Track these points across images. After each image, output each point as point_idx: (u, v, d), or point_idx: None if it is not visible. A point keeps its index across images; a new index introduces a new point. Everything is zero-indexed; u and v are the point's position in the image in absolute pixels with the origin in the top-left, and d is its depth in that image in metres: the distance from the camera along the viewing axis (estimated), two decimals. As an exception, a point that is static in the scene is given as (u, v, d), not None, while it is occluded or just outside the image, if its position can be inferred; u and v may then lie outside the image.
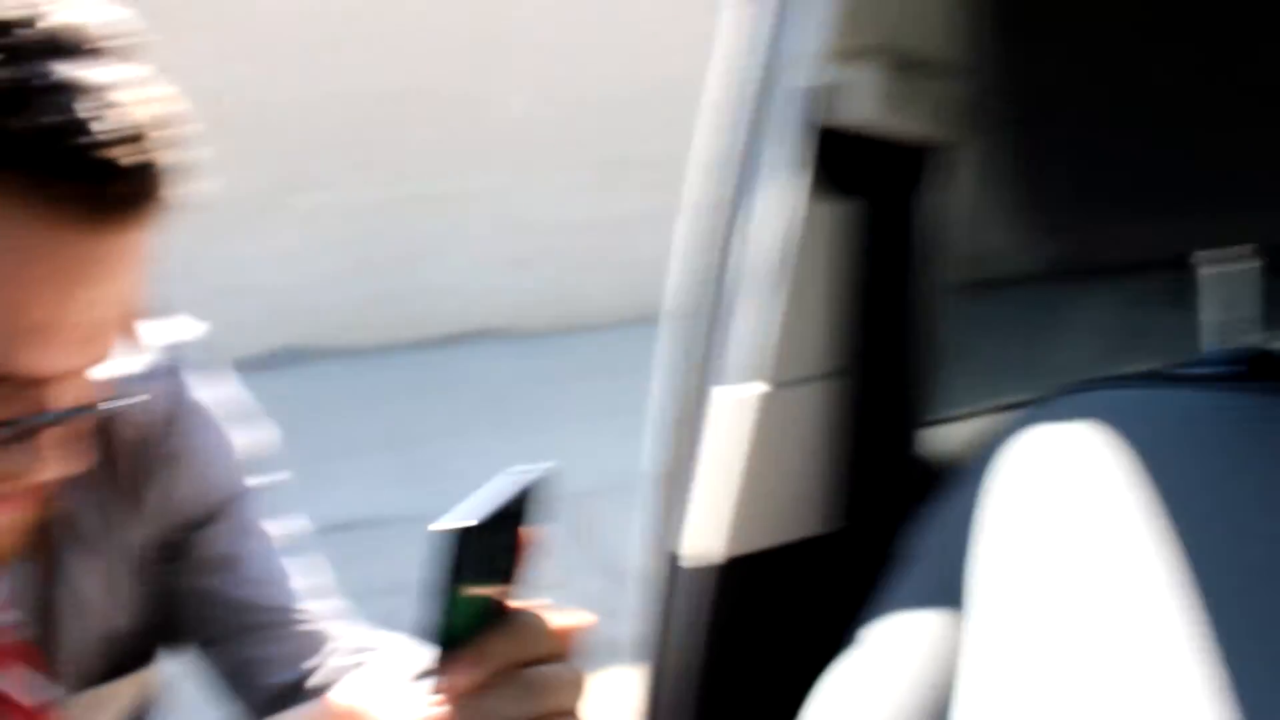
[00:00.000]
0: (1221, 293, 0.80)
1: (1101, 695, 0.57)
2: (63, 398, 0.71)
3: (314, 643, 1.00)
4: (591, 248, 5.78)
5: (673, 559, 0.90)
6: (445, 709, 0.56)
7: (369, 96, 5.40)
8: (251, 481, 1.04)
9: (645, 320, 6.41)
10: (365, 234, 5.51)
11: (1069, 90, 0.85)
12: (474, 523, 0.54)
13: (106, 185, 0.65)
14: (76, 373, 0.71)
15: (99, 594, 0.95)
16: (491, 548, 0.57)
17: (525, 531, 0.60)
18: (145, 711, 1.27)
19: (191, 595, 1.00)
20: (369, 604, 2.20)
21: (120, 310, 0.72)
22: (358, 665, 0.98)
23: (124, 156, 0.66)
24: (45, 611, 0.92)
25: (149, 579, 1.00)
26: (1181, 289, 0.83)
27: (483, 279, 5.67)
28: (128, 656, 1.00)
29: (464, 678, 0.57)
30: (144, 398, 0.92)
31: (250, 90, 5.25)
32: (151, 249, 0.72)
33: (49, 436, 0.71)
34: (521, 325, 5.73)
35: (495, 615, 0.60)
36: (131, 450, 0.94)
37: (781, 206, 0.85)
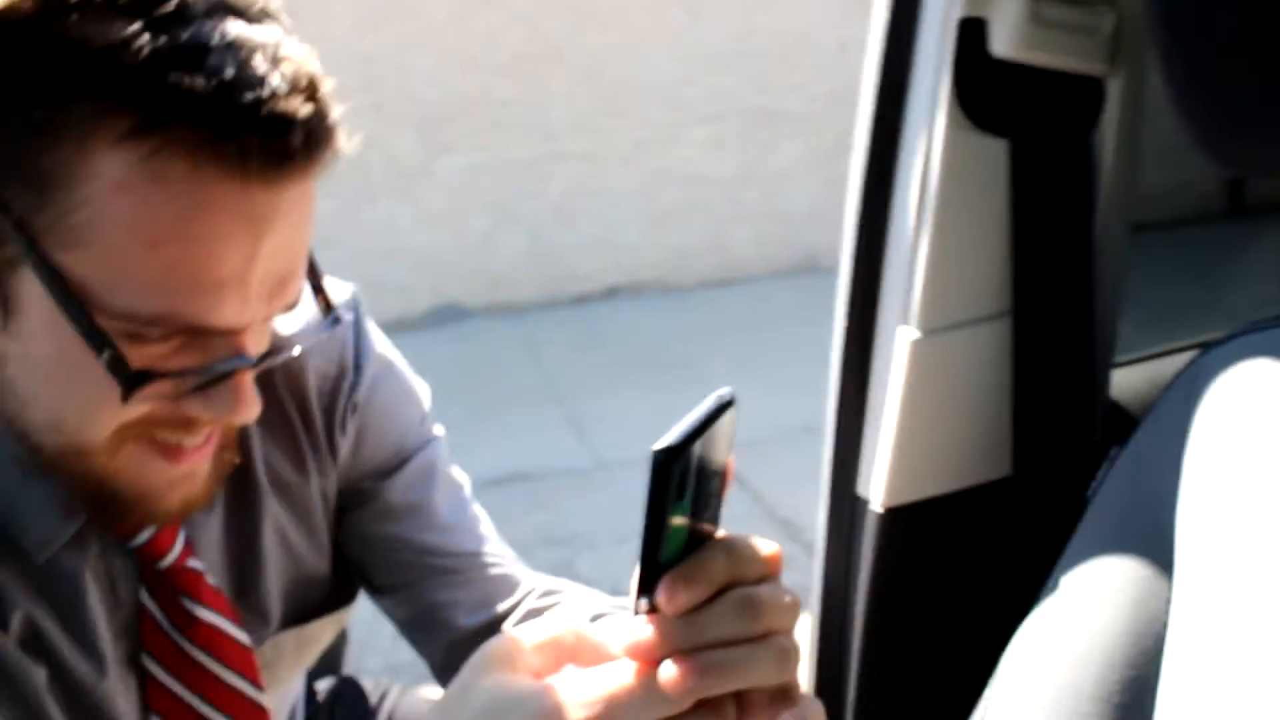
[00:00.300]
0: None
1: None
2: (252, 346, 0.74)
3: (505, 586, 1.02)
4: (741, 200, 5.75)
5: (851, 505, 0.90)
6: (661, 627, 0.56)
7: (513, 56, 5.44)
8: (435, 430, 1.06)
9: (796, 272, 6.39)
10: (515, 193, 5.57)
11: (1242, 11, 0.81)
12: (681, 443, 0.54)
13: (285, 137, 0.67)
14: (264, 322, 0.74)
15: (296, 539, 0.99)
16: (698, 473, 0.57)
17: (720, 457, 0.60)
18: (332, 658, 1.32)
19: (381, 541, 1.02)
20: (534, 556, 2.25)
21: (301, 261, 0.74)
22: (552, 606, 1.00)
23: (299, 109, 0.68)
24: (247, 555, 0.96)
25: (340, 524, 1.03)
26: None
27: (633, 234, 5.69)
28: (323, 599, 1.03)
29: (682, 595, 0.56)
30: (327, 346, 0.96)
31: (396, 54, 5.33)
32: (311, 206, 0.75)
33: (239, 384, 0.74)
34: (673, 279, 5.74)
35: (698, 542, 0.59)
36: (322, 401, 0.98)
37: (942, 146, 0.83)
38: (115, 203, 0.65)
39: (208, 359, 0.72)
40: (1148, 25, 0.67)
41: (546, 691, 0.57)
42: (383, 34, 5.32)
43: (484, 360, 4.98)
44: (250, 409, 0.74)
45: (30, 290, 0.70)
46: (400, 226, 5.53)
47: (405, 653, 1.02)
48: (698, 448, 0.56)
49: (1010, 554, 0.87)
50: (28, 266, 0.69)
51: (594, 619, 0.97)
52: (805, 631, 0.95)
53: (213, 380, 0.73)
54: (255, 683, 0.93)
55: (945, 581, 0.90)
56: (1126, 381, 0.95)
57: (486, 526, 1.05)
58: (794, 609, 0.60)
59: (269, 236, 0.69)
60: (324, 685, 1.28)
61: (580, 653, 0.60)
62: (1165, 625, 0.65)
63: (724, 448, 0.60)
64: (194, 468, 0.79)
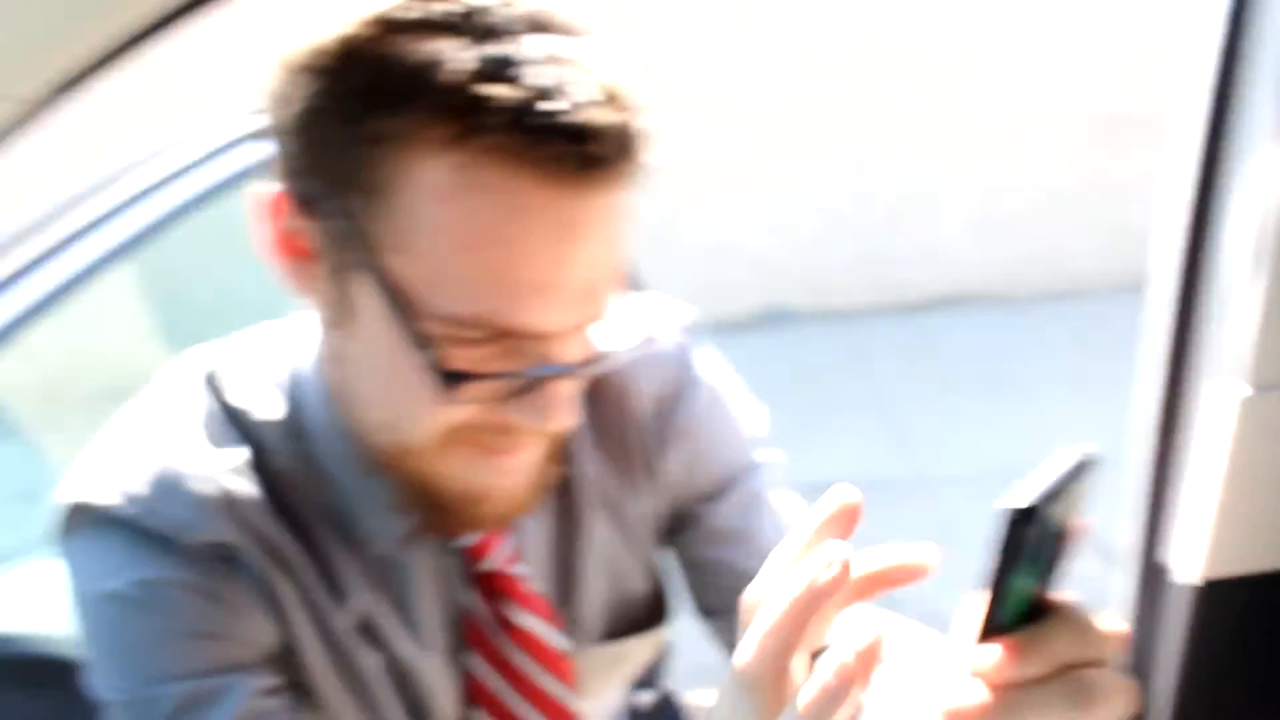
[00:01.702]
0: None
1: None
2: (565, 354, 0.76)
3: None
4: (1081, 210, 5.52)
5: (1158, 575, 0.82)
6: (985, 695, 0.53)
7: (853, 58, 5.40)
8: (760, 456, 1.06)
9: (1139, 288, 6.08)
10: (848, 196, 5.53)
11: None
12: (1032, 503, 0.51)
13: (588, 144, 0.69)
14: (575, 330, 0.76)
15: (617, 555, 1.01)
16: (1043, 533, 0.52)
17: (1074, 520, 0.56)
18: (654, 672, 1.35)
19: (704, 565, 1.03)
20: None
21: (611, 270, 0.77)
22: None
23: (608, 118, 0.70)
24: (566, 567, 0.99)
25: (661, 546, 1.05)
26: None
27: (967, 242, 5.56)
28: (638, 618, 1.05)
29: (1013, 667, 0.53)
30: (659, 369, 0.98)
31: (736, 56, 5.39)
32: (630, 213, 0.77)
33: (553, 392, 0.76)
34: (1007, 290, 5.57)
35: (1038, 608, 0.56)
36: (647, 422, 1.00)
37: (1275, 178, 0.74)
38: (437, 208, 0.70)
39: (522, 364, 0.75)
40: None
41: None
42: (723, 35, 5.39)
43: (810, 365, 4.98)
44: (563, 418, 0.77)
45: (365, 293, 0.75)
46: (732, 227, 5.59)
47: (711, 654, 1.03)
48: (1053, 509, 0.52)
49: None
50: (364, 270, 0.74)
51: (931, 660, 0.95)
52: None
53: (528, 387, 0.76)
54: (569, 687, 0.95)
55: (1266, 669, 0.82)
56: None
57: None
58: (1128, 699, 0.56)
59: (579, 243, 0.72)
60: (645, 698, 1.30)
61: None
62: None
63: (1079, 508, 0.56)
64: (517, 472, 0.82)
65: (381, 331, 0.75)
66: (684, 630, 1.02)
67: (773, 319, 5.61)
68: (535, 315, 0.73)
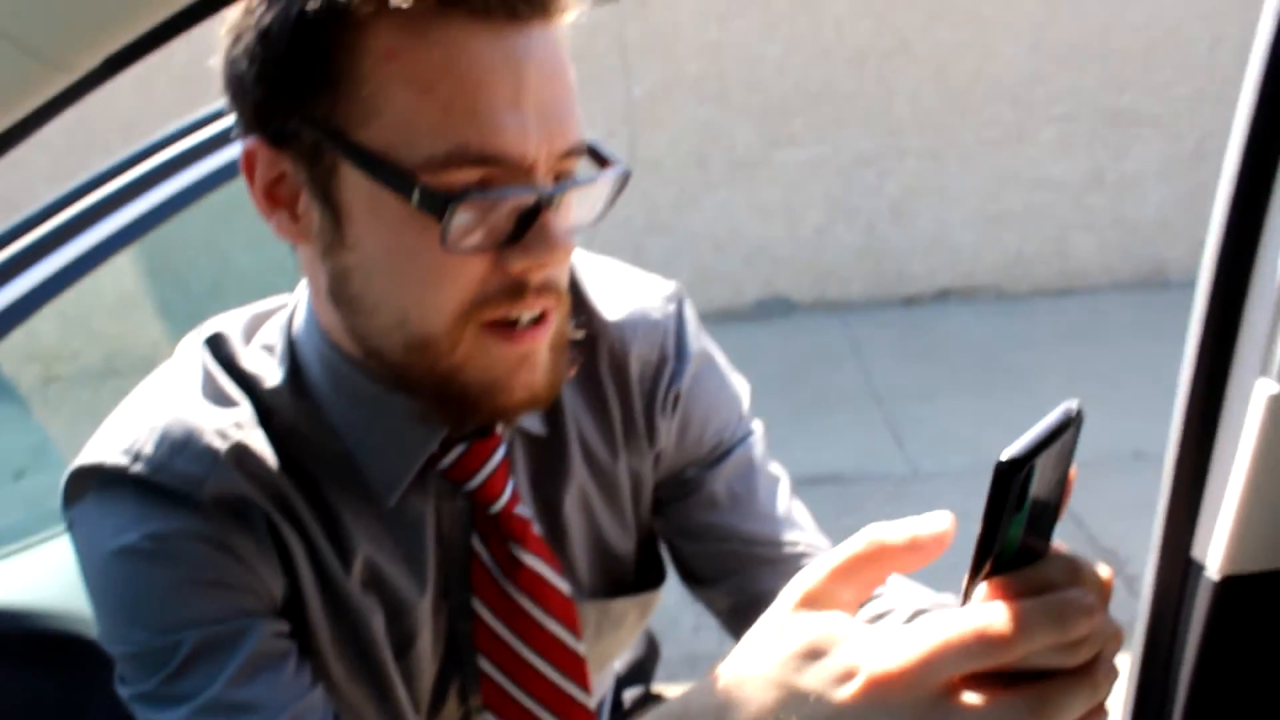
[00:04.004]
0: None
1: None
2: (549, 184, 0.81)
3: None
4: (1086, 206, 5.52)
5: (1184, 568, 0.83)
6: (990, 619, 0.56)
7: (861, 49, 5.40)
8: (755, 424, 1.09)
9: (1141, 285, 6.07)
10: (852, 188, 5.54)
11: None
12: (1020, 454, 0.54)
13: None
14: (551, 156, 0.81)
15: (600, 510, 1.03)
16: (1038, 486, 0.56)
17: (1065, 475, 0.59)
18: (642, 669, 1.36)
19: (705, 530, 1.05)
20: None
21: (567, 94, 0.82)
22: (873, 599, 1.00)
23: None
24: (552, 512, 1.01)
25: (662, 516, 1.07)
26: None
27: (969, 236, 5.56)
28: (626, 580, 1.07)
29: (1003, 597, 0.57)
30: (651, 333, 1.01)
31: (743, 45, 5.38)
32: (565, 55, 0.83)
33: (546, 223, 0.80)
34: (1008, 285, 5.57)
35: (1030, 558, 0.59)
36: (643, 386, 1.02)
37: None
38: (388, 67, 0.76)
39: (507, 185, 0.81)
40: None
41: (868, 634, 0.59)
42: (730, 24, 5.38)
43: (807, 356, 4.99)
44: (563, 248, 0.81)
45: (350, 187, 0.79)
46: (734, 217, 5.59)
47: (704, 644, 1.03)
48: (1040, 461, 0.55)
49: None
50: (344, 165, 0.78)
51: (914, 615, 0.97)
52: (1120, 698, 0.89)
53: (522, 227, 0.79)
54: (574, 632, 0.97)
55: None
56: None
57: (806, 518, 1.06)
58: (1117, 639, 0.59)
59: (528, 68, 0.78)
60: (631, 694, 1.31)
61: (885, 560, 0.61)
62: None
63: (1065, 464, 0.59)
64: (532, 349, 0.84)
65: (374, 217, 0.79)
66: (674, 621, 1.02)
67: (771, 309, 5.61)
68: (506, 136, 0.77)
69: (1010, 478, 0.54)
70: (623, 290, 1.03)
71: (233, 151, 1.51)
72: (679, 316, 1.04)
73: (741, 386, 1.09)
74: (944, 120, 5.46)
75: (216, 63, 0.81)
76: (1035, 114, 5.45)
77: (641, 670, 1.35)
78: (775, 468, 1.09)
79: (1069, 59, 5.36)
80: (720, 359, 1.08)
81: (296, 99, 0.78)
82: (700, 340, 1.05)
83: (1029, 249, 5.56)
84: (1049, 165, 5.49)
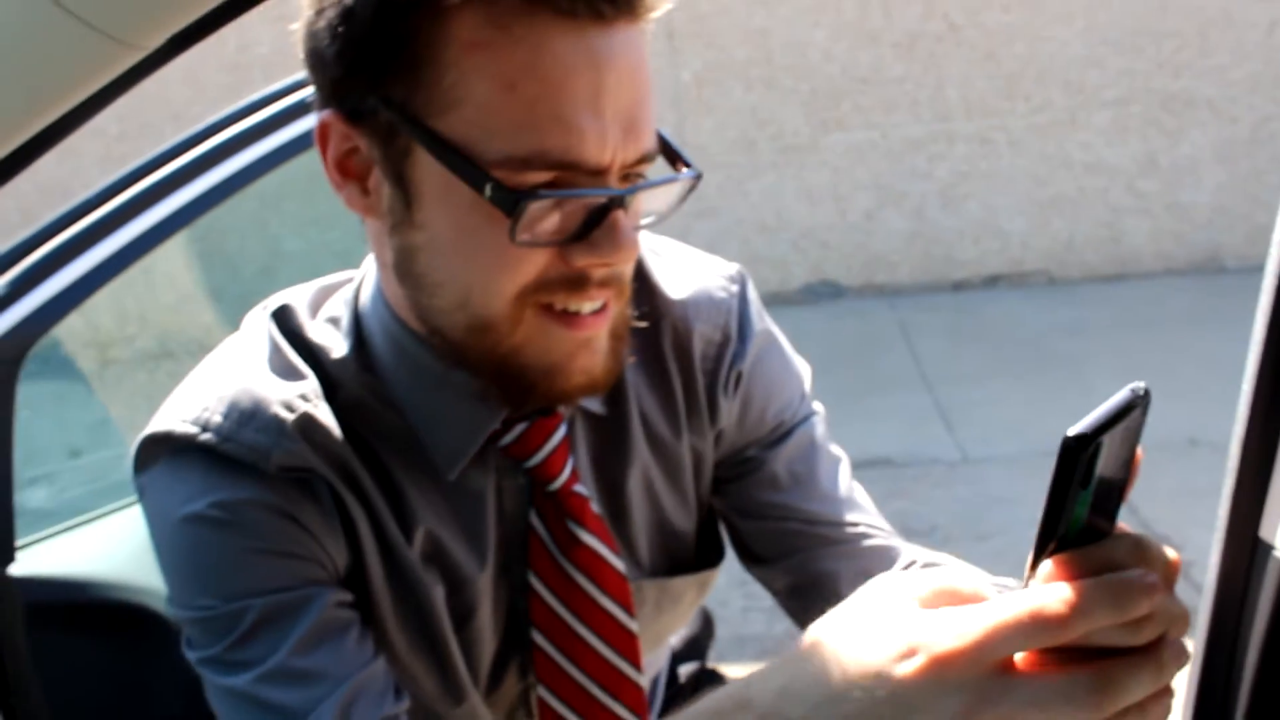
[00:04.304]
0: None
1: None
2: (620, 184, 0.81)
3: (886, 558, 1.03)
4: (1139, 191, 5.46)
5: (1251, 548, 0.82)
6: (1047, 600, 0.56)
7: (910, 33, 5.37)
8: (816, 405, 1.09)
9: (1195, 271, 6.00)
10: (901, 173, 5.51)
11: None
12: (1091, 433, 0.54)
13: None
14: (624, 164, 0.80)
15: (662, 490, 1.03)
16: (1105, 464, 0.56)
17: (1131, 455, 0.59)
18: (697, 645, 1.37)
19: (766, 509, 1.05)
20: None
21: (645, 102, 0.82)
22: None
23: None
24: (614, 488, 1.01)
25: (724, 495, 1.07)
26: None
27: (1020, 221, 5.52)
28: (686, 558, 1.07)
29: (1066, 574, 0.57)
30: (713, 313, 1.01)
31: (791, 29, 5.36)
32: (646, 55, 0.83)
33: (614, 223, 0.80)
34: (1059, 271, 5.52)
35: (1097, 536, 0.59)
36: (706, 365, 1.02)
37: None
38: (472, 59, 0.76)
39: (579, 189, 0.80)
40: None
41: (929, 615, 0.59)
42: (778, 8, 5.36)
43: (856, 341, 4.97)
44: (630, 248, 0.81)
45: (423, 169, 0.79)
46: (783, 201, 5.58)
47: (753, 626, 1.03)
48: (1106, 439, 0.55)
49: None
50: (418, 148, 0.78)
51: (927, 565, 0.97)
52: (1184, 680, 0.88)
53: (589, 225, 0.80)
54: (628, 609, 0.98)
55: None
56: None
57: (866, 500, 1.06)
58: (1184, 620, 0.59)
59: (610, 73, 0.77)
60: (687, 670, 1.31)
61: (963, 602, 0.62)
62: None
63: (1132, 443, 0.59)
64: (592, 335, 0.84)
65: (444, 203, 0.80)
66: (724, 602, 1.03)
67: (819, 293, 5.60)
68: (585, 144, 0.77)
69: (1077, 454, 0.54)
70: (686, 270, 1.03)
71: (282, 136, 1.52)
72: (742, 297, 1.04)
73: (803, 367, 1.09)
74: (994, 105, 5.42)
75: (297, 29, 0.81)
76: (1088, 98, 5.39)
77: (697, 646, 1.36)
78: (836, 449, 1.09)
79: (1123, 42, 5.30)
80: (782, 340, 1.08)
81: (375, 80, 0.78)
82: (763, 320, 1.05)
83: (1080, 234, 5.50)
84: (1101, 150, 5.43)
